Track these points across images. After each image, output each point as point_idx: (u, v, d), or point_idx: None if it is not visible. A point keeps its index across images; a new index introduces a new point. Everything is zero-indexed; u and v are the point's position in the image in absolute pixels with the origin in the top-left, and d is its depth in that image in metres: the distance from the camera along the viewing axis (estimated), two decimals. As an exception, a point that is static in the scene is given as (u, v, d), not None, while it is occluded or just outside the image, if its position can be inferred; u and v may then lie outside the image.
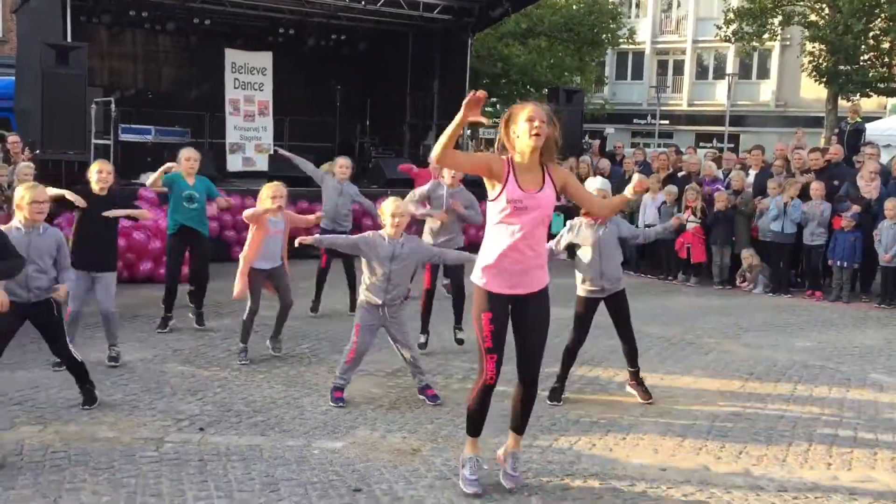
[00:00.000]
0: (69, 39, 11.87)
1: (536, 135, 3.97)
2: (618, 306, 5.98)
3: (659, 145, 31.15)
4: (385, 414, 5.55)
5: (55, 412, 5.32)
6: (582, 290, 5.95)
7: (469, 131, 19.50)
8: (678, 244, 11.57)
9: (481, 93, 3.84)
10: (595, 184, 5.93)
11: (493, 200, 4.08)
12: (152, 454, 4.69)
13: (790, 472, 4.76)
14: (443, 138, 3.90)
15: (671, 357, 7.34)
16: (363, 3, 14.29)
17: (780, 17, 23.99)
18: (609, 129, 30.30)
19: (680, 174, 12.57)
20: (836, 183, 10.99)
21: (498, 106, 28.27)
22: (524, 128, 3.99)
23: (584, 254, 5.86)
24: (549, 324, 4.30)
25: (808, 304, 10.28)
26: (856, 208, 10.40)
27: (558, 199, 4.25)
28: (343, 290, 8.82)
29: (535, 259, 4.14)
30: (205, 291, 7.96)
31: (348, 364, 5.73)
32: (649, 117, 37.47)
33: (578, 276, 5.95)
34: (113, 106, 12.76)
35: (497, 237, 4.09)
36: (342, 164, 8.83)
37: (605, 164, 13.75)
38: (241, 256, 6.70)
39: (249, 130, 16.38)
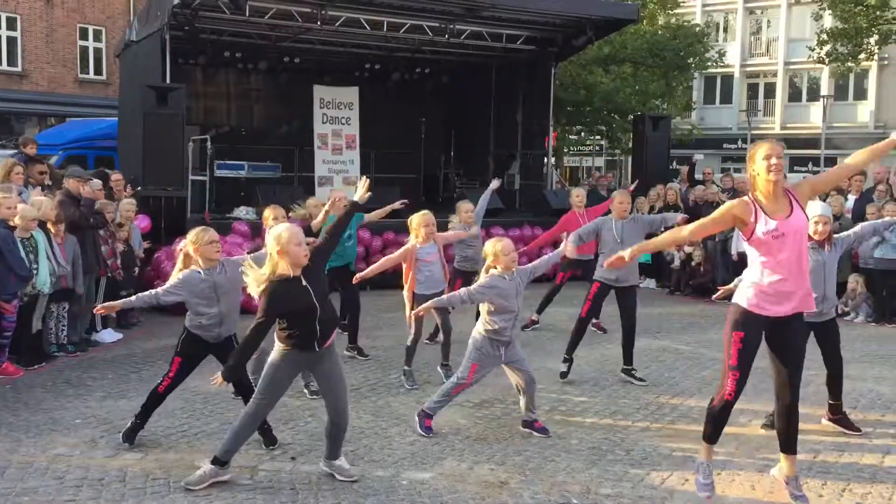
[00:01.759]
0: (168, 81, 12.41)
1: (776, 170, 4.24)
2: (829, 333, 5.83)
3: (750, 170, 30.28)
4: (472, 445, 5.53)
5: (156, 440, 5.51)
6: None
7: (554, 159, 19.41)
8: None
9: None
10: (816, 209, 5.78)
11: (748, 240, 4.34)
12: (247, 482, 4.81)
13: (899, 512, 4.53)
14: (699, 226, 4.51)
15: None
16: (447, 36, 14.47)
17: (876, 36, 23.14)
18: (698, 155, 29.54)
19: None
20: (941, 206, 10.47)
21: (582, 133, 28.09)
22: (763, 165, 4.26)
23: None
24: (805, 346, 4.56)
25: (915, 334, 9.80)
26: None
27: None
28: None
29: (801, 281, 4.33)
30: (358, 323, 8.15)
31: (453, 396, 5.77)
32: (740, 142, 36.55)
33: None
34: (209, 143, 13.26)
35: (763, 268, 4.31)
36: (467, 210, 8.59)
37: (699, 192, 13.42)
38: (404, 294, 7.06)
39: (337, 164, 16.74)
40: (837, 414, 5.94)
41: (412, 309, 6.90)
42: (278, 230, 4.59)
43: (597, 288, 7.20)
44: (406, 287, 7.04)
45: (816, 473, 5.07)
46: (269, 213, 6.82)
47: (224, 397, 6.56)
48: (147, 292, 5.38)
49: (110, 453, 5.26)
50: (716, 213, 4.46)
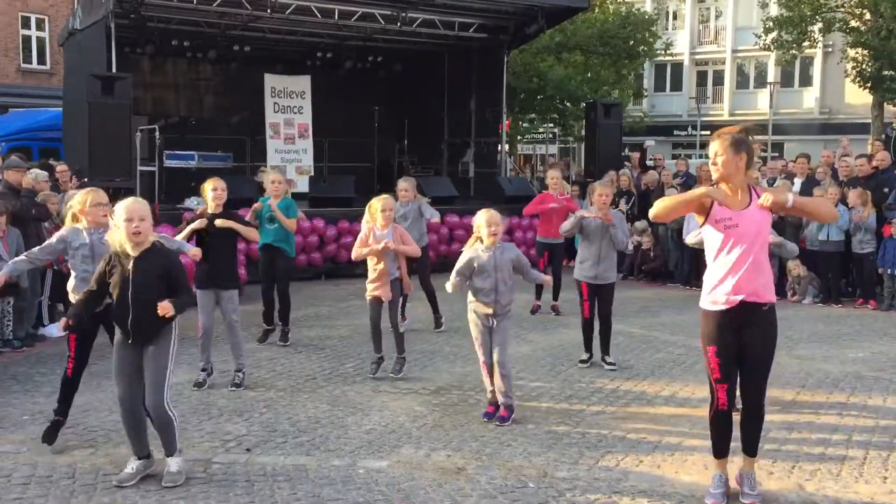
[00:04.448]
0: (114, 70, 12.13)
1: (714, 170, 4.31)
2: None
3: (701, 156, 30.80)
4: (429, 432, 5.53)
5: (106, 435, 5.41)
6: None
7: (507, 146, 19.47)
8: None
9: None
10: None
11: (702, 226, 4.36)
12: (201, 476, 4.74)
13: (845, 486, 4.64)
14: (671, 203, 4.41)
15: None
16: (399, 25, 14.40)
17: (820, 24, 23.62)
18: (649, 142, 30.11)
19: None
20: (885, 190, 10.76)
21: (535, 121, 28.21)
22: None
23: None
24: (775, 346, 4.41)
25: (861, 314, 10.05)
26: (903, 213, 10.19)
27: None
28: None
29: (759, 274, 4.26)
30: (289, 309, 8.13)
31: (488, 377, 5.83)
32: (690, 128, 37.09)
33: None
34: (157, 133, 13.03)
35: (718, 263, 4.29)
36: (403, 188, 8.79)
37: (651, 176, 13.62)
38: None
39: (290, 153, 16.59)
40: None
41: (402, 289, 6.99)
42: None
43: (586, 287, 7.31)
44: (377, 270, 6.82)
45: (767, 452, 5.16)
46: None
47: (175, 389, 6.45)
48: (21, 256, 5.51)
49: (59, 449, 5.14)
50: (686, 201, 4.45)
